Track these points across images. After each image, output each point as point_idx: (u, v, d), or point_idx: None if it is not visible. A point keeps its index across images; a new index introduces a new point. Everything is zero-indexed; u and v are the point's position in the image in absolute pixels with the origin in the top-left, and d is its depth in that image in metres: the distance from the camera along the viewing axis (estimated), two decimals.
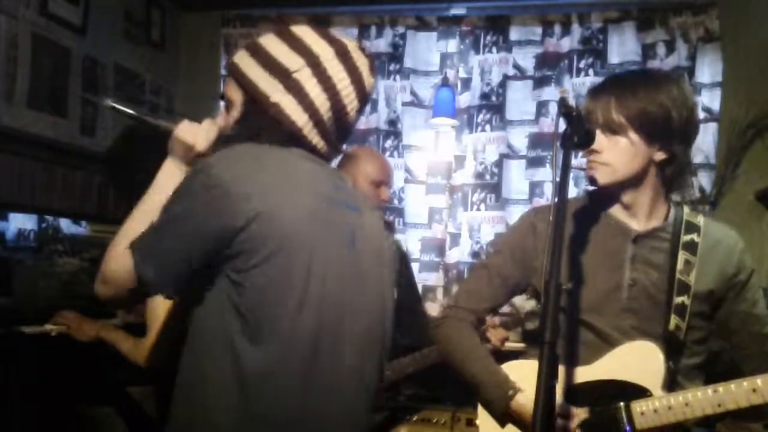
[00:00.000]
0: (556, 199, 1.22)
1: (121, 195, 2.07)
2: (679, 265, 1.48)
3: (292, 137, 1.27)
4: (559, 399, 1.48)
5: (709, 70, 3.15)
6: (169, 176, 1.30)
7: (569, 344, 1.52)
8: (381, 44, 3.61)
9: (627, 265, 1.51)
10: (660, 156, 1.47)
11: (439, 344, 1.70)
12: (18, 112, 2.61)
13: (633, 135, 1.44)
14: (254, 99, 1.27)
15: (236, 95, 1.31)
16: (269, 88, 1.26)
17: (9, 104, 2.57)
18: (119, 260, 1.17)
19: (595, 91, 1.52)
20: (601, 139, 1.45)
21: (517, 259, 1.62)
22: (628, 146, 1.45)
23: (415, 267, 3.40)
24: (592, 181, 1.51)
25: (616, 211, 1.54)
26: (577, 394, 1.48)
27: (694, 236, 1.51)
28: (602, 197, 1.56)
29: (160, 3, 3.61)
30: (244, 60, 1.30)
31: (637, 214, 1.52)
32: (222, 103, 1.36)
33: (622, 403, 1.43)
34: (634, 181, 1.49)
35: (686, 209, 1.56)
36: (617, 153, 1.46)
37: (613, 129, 1.45)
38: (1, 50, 2.52)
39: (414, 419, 2.67)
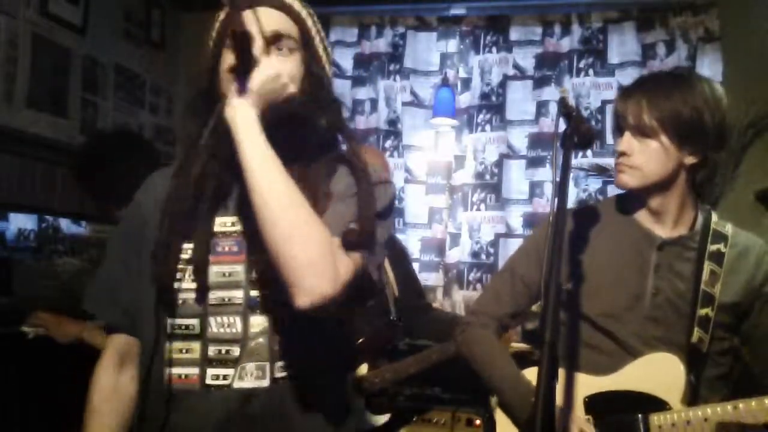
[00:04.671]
0: (556, 200, 1.21)
1: (90, 194, 2.02)
2: (705, 275, 1.46)
3: None
4: (580, 410, 1.48)
5: (709, 70, 3.14)
6: (258, 131, 1.05)
7: (588, 352, 1.51)
8: (381, 44, 3.61)
9: (651, 273, 1.49)
10: (691, 160, 1.44)
11: (462, 350, 1.69)
12: (18, 112, 2.61)
13: (664, 138, 1.42)
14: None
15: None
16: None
17: (9, 104, 2.57)
18: (344, 255, 1.05)
19: (626, 92, 1.49)
20: (631, 142, 1.44)
21: (541, 264, 1.58)
22: (659, 150, 1.42)
23: (415, 267, 3.39)
24: (620, 184, 1.49)
25: (642, 216, 1.52)
26: (596, 403, 1.48)
27: (721, 246, 1.48)
28: (630, 202, 1.55)
29: (160, 3, 3.61)
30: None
31: (665, 221, 1.50)
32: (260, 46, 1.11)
33: (639, 415, 1.42)
34: (663, 186, 1.47)
35: (714, 217, 1.53)
36: (647, 156, 1.43)
37: (644, 132, 1.43)
38: (1, 50, 2.52)
39: (414, 419, 2.67)
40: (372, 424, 2.34)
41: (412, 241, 3.53)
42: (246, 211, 1.06)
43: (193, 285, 1.13)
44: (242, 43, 1.04)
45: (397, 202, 3.52)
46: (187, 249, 1.14)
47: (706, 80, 1.49)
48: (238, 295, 1.13)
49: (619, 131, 1.49)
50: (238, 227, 1.15)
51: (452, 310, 3.42)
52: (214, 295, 1.14)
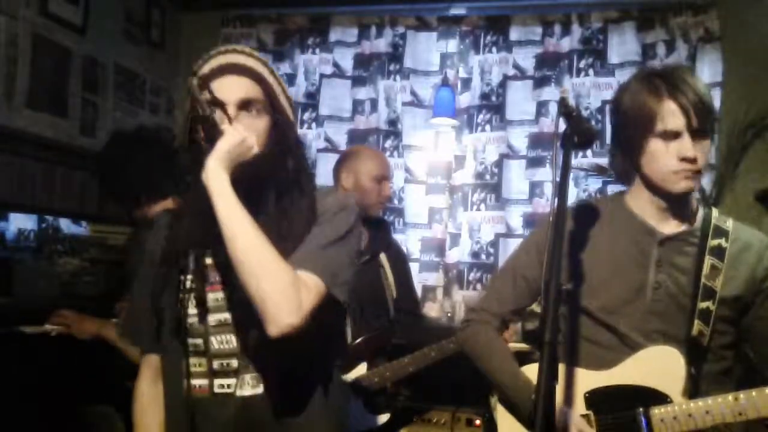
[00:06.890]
0: (556, 200, 1.21)
1: (112, 196, 2.10)
2: (705, 270, 1.45)
3: None
4: (580, 405, 1.48)
5: (709, 70, 3.15)
6: (227, 189, 1.21)
7: (588, 347, 1.51)
8: (381, 44, 3.61)
9: (652, 268, 1.49)
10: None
11: (464, 347, 1.69)
12: (18, 112, 2.61)
13: (711, 136, 1.43)
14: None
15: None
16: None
17: (9, 104, 2.57)
18: (305, 285, 1.21)
19: (674, 90, 1.39)
20: (695, 146, 1.39)
21: (542, 261, 1.56)
22: (709, 148, 1.44)
23: (415, 267, 3.40)
24: (687, 189, 1.43)
25: (644, 212, 1.52)
26: (597, 398, 1.48)
27: (722, 241, 1.48)
28: (630, 198, 1.55)
29: (160, 3, 3.61)
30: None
31: (667, 217, 1.50)
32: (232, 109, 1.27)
33: (641, 409, 1.42)
34: None
35: (715, 212, 1.53)
36: (705, 157, 1.42)
37: (704, 133, 1.40)
38: (1, 50, 2.52)
39: (414, 419, 2.68)
40: (372, 424, 2.34)
41: (412, 241, 3.54)
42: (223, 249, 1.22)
43: (196, 311, 1.31)
44: (204, 122, 1.21)
45: (396, 202, 3.53)
46: (185, 280, 1.32)
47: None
48: (230, 316, 1.31)
49: (655, 133, 1.40)
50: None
51: (452, 310, 3.42)
52: (213, 318, 1.32)
